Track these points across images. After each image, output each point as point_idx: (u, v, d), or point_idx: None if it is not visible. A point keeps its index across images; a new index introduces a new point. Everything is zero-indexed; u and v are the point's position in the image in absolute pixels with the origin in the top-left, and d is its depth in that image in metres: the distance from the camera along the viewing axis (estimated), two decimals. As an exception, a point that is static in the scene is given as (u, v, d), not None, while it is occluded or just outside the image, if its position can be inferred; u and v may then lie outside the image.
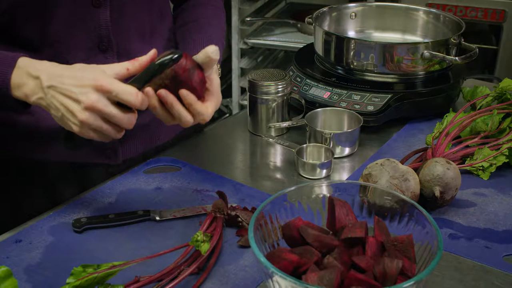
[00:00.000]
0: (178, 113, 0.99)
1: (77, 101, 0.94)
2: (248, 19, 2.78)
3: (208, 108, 1.01)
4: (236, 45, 2.81)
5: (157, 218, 1.09)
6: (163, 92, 0.96)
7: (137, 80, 0.97)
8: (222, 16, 1.38)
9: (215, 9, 1.37)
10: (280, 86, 1.34)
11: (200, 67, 0.99)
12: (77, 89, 0.94)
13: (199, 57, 0.98)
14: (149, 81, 0.96)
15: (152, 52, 1.00)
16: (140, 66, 0.98)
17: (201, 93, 1.00)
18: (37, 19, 1.12)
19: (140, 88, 0.96)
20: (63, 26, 1.14)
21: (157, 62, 0.95)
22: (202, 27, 1.28)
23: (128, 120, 0.96)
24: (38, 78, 0.97)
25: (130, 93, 0.94)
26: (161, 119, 1.01)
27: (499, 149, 1.23)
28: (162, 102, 0.98)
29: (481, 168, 1.22)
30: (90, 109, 0.93)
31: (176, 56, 0.95)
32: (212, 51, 0.97)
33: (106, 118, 0.95)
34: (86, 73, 0.96)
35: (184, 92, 0.97)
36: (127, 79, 0.98)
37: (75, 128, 0.95)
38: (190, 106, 0.99)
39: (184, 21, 1.32)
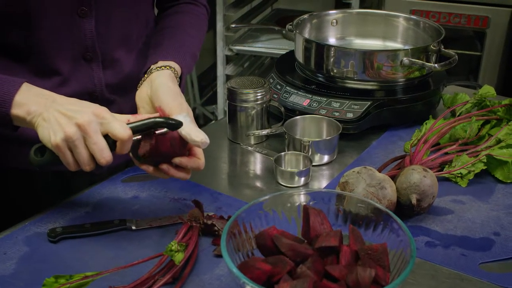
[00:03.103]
0: (176, 176, 1.05)
1: (70, 117, 0.95)
2: (233, 25, 2.78)
3: (200, 159, 1.06)
4: (221, 52, 2.80)
5: (133, 227, 1.08)
6: (165, 167, 1.03)
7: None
8: (202, 26, 1.37)
9: (195, 17, 1.36)
10: (259, 94, 1.34)
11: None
12: (75, 111, 0.96)
13: (186, 138, 1.02)
14: (138, 131, 1.00)
15: (156, 115, 1.04)
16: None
17: (184, 151, 1.05)
18: (21, 27, 1.12)
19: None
20: (48, 36, 1.14)
21: (155, 120, 1.00)
22: (176, 34, 1.28)
23: (107, 155, 0.96)
24: (47, 99, 0.99)
25: (121, 125, 0.96)
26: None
27: (477, 156, 1.23)
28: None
29: (459, 175, 1.22)
30: (79, 126, 0.94)
31: (172, 124, 1.00)
32: (202, 142, 1.02)
33: (89, 142, 0.95)
34: (92, 104, 0.99)
35: (177, 160, 1.03)
36: None
37: (53, 139, 0.94)
38: (186, 167, 1.05)
39: (161, 26, 1.32)
